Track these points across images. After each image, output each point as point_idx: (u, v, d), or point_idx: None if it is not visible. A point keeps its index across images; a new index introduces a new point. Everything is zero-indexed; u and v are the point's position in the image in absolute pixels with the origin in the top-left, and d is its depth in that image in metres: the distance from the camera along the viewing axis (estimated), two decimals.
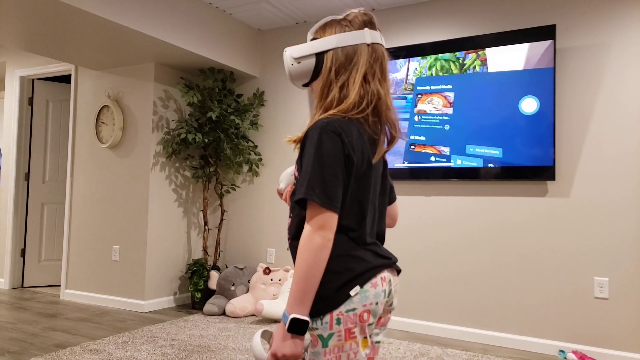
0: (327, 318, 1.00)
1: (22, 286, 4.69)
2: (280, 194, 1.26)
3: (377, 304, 1.04)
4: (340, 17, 1.15)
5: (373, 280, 1.04)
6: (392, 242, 3.54)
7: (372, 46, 1.12)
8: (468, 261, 3.27)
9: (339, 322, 1.00)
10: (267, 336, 1.07)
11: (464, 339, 3.23)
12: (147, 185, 3.86)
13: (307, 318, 0.97)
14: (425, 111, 3.38)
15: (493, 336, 3.14)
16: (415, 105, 3.41)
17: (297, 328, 0.96)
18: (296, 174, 1.09)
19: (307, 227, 1.00)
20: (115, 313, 3.74)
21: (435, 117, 3.33)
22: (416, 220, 3.47)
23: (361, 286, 1.02)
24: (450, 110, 3.28)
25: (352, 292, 1.01)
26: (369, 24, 1.13)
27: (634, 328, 2.78)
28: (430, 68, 3.37)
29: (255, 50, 4.22)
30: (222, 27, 3.86)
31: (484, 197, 3.25)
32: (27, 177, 4.72)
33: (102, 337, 3.08)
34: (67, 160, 4.35)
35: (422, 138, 3.36)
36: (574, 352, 2.80)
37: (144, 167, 3.89)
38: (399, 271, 1.16)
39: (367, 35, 1.11)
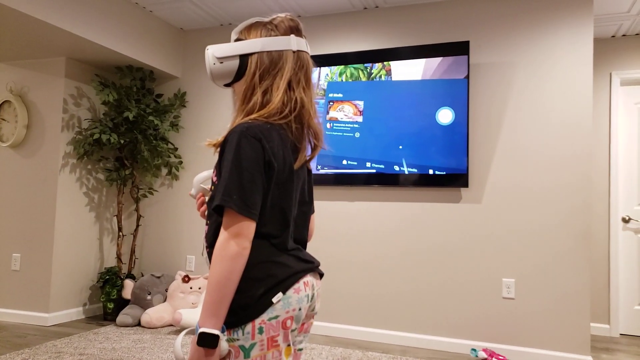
0: (248, 327, 0.97)
1: None
2: (194, 198, 1.22)
3: (300, 309, 1.03)
4: (267, 20, 1.14)
5: (296, 286, 1.03)
6: (315, 247, 3.56)
7: (298, 53, 1.11)
8: (386, 264, 3.37)
9: (261, 331, 0.98)
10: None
11: (384, 342, 3.32)
12: (55, 188, 3.58)
13: (216, 332, 0.93)
14: (336, 118, 3.45)
15: (411, 337, 3.26)
16: (327, 112, 3.48)
17: (206, 342, 0.93)
18: (214, 179, 1.06)
19: (222, 235, 0.97)
20: (13, 328, 3.41)
21: (346, 125, 3.42)
22: (338, 226, 3.52)
23: (284, 292, 1.00)
24: (360, 119, 3.38)
25: (274, 299, 0.99)
26: (295, 30, 1.13)
27: (538, 325, 3.01)
28: (340, 75, 3.46)
29: (177, 50, 4.08)
30: (143, 24, 3.68)
31: (402, 203, 3.37)
32: None
33: None
34: None
35: (332, 149, 3.44)
36: (484, 350, 2.97)
37: (51, 168, 3.61)
38: (321, 275, 1.16)
39: (293, 42, 1.11)
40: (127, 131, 3.69)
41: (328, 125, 3.46)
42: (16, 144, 3.71)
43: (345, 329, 3.42)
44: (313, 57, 3.54)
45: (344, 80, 3.44)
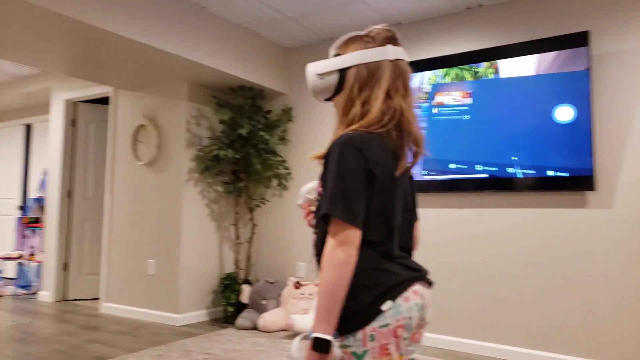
0: (359, 334, 0.99)
1: (65, 299, 4.87)
2: (301, 207, 1.28)
3: (410, 318, 1.02)
4: (363, 33, 1.17)
5: (405, 294, 1.03)
6: (423, 256, 3.50)
7: (395, 62, 1.13)
8: (504, 277, 3.19)
9: (372, 338, 0.99)
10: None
11: (499, 357, 3.14)
12: (181, 200, 3.97)
13: (329, 337, 0.96)
14: (443, 103, 3.36)
15: (529, 354, 3.04)
16: (433, 98, 3.40)
17: (320, 347, 0.96)
18: (320, 189, 1.10)
19: (329, 243, 1.00)
20: (151, 326, 3.83)
21: (454, 108, 3.31)
22: (447, 235, 3.42)
23: (393, 300, 1.01)
24: (469, 100, 3.24)
25: (384, 307, 1.00)
26: (391, 40, 1.14)
27: None
28: (445, 76, 3.37)
29: (283, 67, 4.30)
30: (252, 46, 3.96)
31: (518, 209, 3.17)
32: (70, 194, 4.93)
33: (139, 350, 3.16)
34: (106, 178, 4.52)
35: (439, 138, 3.33)
36: None
37: (178, 182, 4.01)
38: (430, 284, 1.14)
39: (389, 52, 1.12)
40: (241, 146, 3.98)
41: (435, 111, 3.38)
42: (150, 162, 4.18)
43: (459, 342, 3.30)
44: (415, 62, 3.51)
45: (448, 81, 3.36)
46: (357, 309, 1.00)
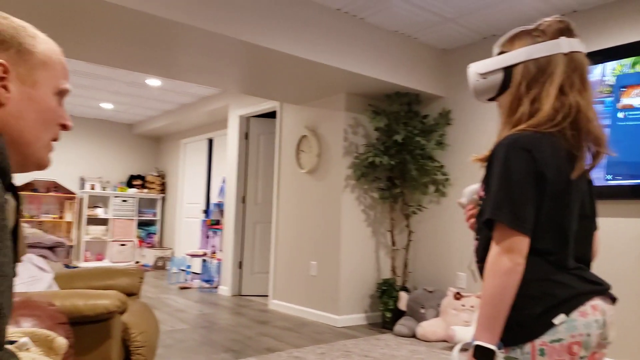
0: (527, 347, 0.94)
1: (240, 294, 5.45)
2: (463, 207, 1.24)
3: (588, 335, 0.94)
4: (531, 27, 1.10)
5: (581, 309, 0.94)
6: (605, 271, 3.08)
7: (570, 55, 1.04)
8: None
9: (542, 353, 0.93)
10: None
11: None
12: (339, 206, 4.14)
13: (492, 346, 0.93)
14: (632, 106, 2.90)
15: None
16: (619, 101, 2.96)
17: (482, 356, 0.93)
18: (482, 193, 1.07)
19: (494, 249, 0.96)
20: (313, 325, 4.06)
21: None
22: (636, 248, 2.95)
23: (567, 314, 0.93)
24: None
25: (556, 321, 0.93)
26: (565, 31, 1.06)
27: None
28: (633, 65, 2.90)
29: (440, 70, 4.21)
30: (408, 52, 3.96)
31: None
32: (244, 199, 5.51)
33: (303, 346, 3.37)
34: (274, 185, 4.95)
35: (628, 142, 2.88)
36: None
37: (336, 189, 4.19)
38: (614, 300, 1.02)
39: (563, 44, 1.04)
40: (396, 153, 4.00)
41: (620, 115, 2.97)
42: (311, 170, 4.46)
43: None
44: (595, 52, 3.13)
45: (638, 70, 2.92)
46: (524, 320, 0.94)
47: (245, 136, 5.58)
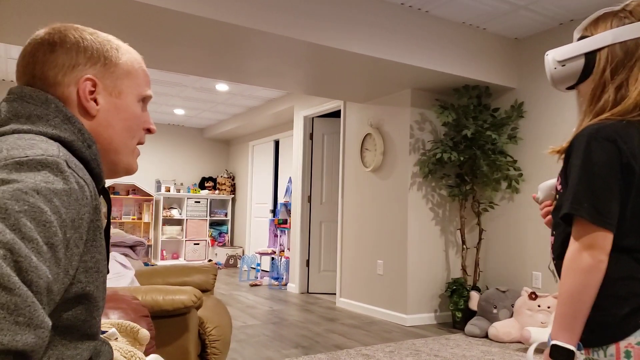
0: (611, 349, 0.89)
1: (308, 292, 5.52)
2: (538, 203, 1.18)
3: None
4: (618, 8, 1.02)
5: None
6: None
7: None
8: None
9: (628, 355, 0.88)
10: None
11: None
12: (406, 204, 4.08)
13: (570, 346, 0.89)
14: None
15: None
16: None
17: (561, 356, 0.89)
18: (559, 187, 1.02)
19: (573, 246, 0.92)
20: (381, 323, 4.03)
21: None
22: None
23: None
24: None
25: None
26: None
27: None
28: None
29: (511, 60, 4.03)
30: (476, 43, 3.83)
31: None
32: (309, 199, 5.58)
33: (372, 344, 3.36)
34: (339, 184, 4.97)
35: None
36: None
37: (402, 187, 4.13)
38: None
39: None
40: (466, 148, 3.87)
41: None
42: (376, 168, 4.43)
43: None
44: None
45: None
46: (609, 321, 0.90)
47: (310, 136, 5.65)
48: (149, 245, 7.82)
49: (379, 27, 3.34)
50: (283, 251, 6.21)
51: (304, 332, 3.68)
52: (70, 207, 0.63)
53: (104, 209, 0.78)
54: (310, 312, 4.47)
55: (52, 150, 0.66)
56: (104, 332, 0.94)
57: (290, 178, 6.41)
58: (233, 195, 8.49)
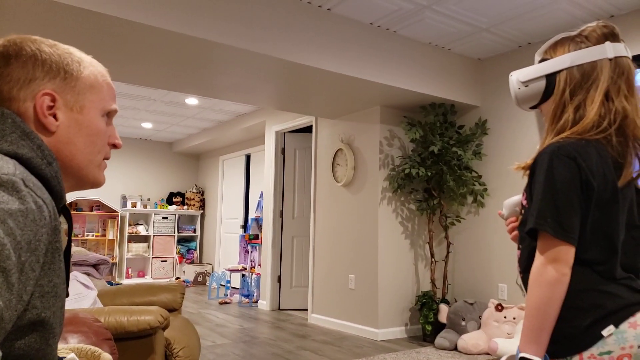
0: (575, 359, 0.92)
1: (279, 308, 5.46)
2: (504, 220, 1.22)
3: (639, 347, 0.91)
4: (574, 33, 1.09)
5: (631, 320, 0.92)
6: None
7: (616, 60, 1.03)
8: None
9: None
10: None
11: None
12: (377, 218, 4.11)
13: (537, 359, 0.91)
14: None
15: None
16: None
17: None
18: (524, 202, 1.05)
19: (538, 260, 0.95)
20: (353, 339, 4.02)
21: None
22: None
23: (616, 326, 0.91)
24: None
25: (604, 332, 0.91)
26: (610, 36, 1.05)
27: None
28: None
29: (475, 80, 4.15)
30: (441, 62, 3.93)
31: None
32: (281, 214, 5.56)
33: None
34: (310, 199, 4.97)
35: None
36: None
37: (373, 202, 4.17)
38: None
39: (608, 49, 1.03)
40: (433, 164, 3.95)
41: None
42: (347, 183, 4.46)
43: None
44: (634, 57, 3.02)
45: None
46: (571, 332, 0.93)
47: (281, 151, 5.65)
48: (114, 263, 7.60)
49: (349, 46, 3.40)
50: (254, 267, 6.14)
51: (275, 350, 3.63)
52: (26, 229, 0.60)
53: (64, 227, 0.75)
54: (282, 329, 4.42)
55: (7, 168, 0.63)
56: (61, 359, 0.90)
57: (261, 193, 6.38)
58: (202, 211, 8.36)
